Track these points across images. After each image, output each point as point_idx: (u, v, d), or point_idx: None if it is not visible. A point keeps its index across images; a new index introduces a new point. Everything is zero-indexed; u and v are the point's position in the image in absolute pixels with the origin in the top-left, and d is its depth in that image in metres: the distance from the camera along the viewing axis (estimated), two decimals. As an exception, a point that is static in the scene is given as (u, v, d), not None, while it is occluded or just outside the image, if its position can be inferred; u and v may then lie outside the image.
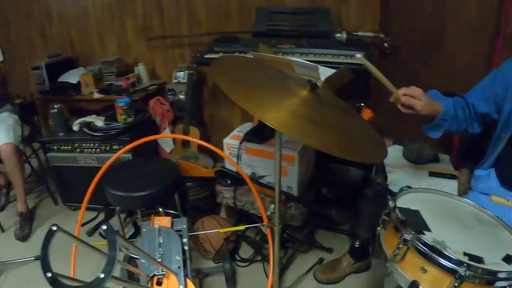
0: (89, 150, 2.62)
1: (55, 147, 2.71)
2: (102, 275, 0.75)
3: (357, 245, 2.05)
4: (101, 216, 2.82)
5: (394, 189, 1.81)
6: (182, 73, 3.09)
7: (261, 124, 2.22)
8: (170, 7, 3.18)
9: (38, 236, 2.83)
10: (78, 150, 2.64)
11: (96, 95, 3.10)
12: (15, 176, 2.64)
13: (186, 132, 2.82)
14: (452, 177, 1.86)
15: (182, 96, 3.05)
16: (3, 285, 2.35)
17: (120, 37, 3.49)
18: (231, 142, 2.21)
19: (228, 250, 2.24)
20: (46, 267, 1.02)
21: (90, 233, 2.71)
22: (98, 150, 2.61)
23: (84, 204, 1.74)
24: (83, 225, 2.74)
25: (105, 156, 2.60)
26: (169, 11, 3.20)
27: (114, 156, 1.79)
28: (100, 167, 2.62)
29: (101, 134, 2.56)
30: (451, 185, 1.80)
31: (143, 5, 3.28)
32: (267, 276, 2.15)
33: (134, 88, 3.12)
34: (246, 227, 2.17)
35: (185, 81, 3.05)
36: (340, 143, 1.13)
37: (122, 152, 1.86)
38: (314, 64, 1.60)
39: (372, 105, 2.29)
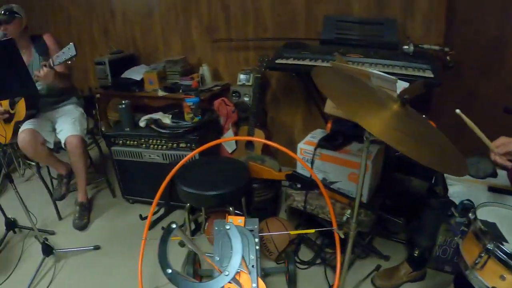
0: (156, 146, 2.73)
1: (120, 141, 2.85)
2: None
3: (416, 254, 2.12)
4: (161, 211, 2.99)
5: (455, 201, 1.88)
6: (247, 75, 3.19)
7: (334, 132, 2.32)
8: (236, 10, 3.30)
9: (96, 226, 3.01)
10: (144, 145, 2.77)
11: (161, 93, 3.25)
12: (79, 167, 2.81)
13: (250, 134, 2.94)
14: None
15: (246, 99, 3.17)
16: (61, 271, 2.52)
17: (185, 37, 3.64)
18: (305, 147, 2.31)
19: (292, 251, 2.34)
20: (165, 264, 1.14)
21: (150, 227, 2.84)
22: (165, 147, 2.71)
23: (156, 199, 1.83)
24: (143, 219, 2.88)
25: (171, 153, 2.71)
26: (235, 13, 3.31)
27: (190, 154, 1.89)
28: (165, 164, 2.82)
29: (169, 131, 2.68)
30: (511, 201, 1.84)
31: (208, 6, 3.41)
32: (327, 279, 2.23)
33: (198, 88, 3.22)
34: (315, 231, 2.27)
35: (249, 83, 3.18)
36: (429, 153, 1.23)
37: (199, 151, 1.94)
38: (393, 77, 1.69)
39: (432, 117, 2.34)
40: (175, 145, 2.73)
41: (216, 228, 1.43)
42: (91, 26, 4.24)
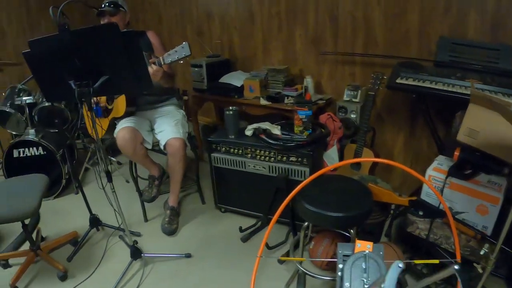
0: (263, 157, 2.82)
1: (223, 149, 2.97)
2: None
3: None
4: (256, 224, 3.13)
5: None
6: (354, 91, 3.30)
7: (463, 161, 2.43)
8: (346, 22, 3.41)
9: (185, 232, 3.16)
10: (249, 155, 2.88)
11: (263, 102, 3.44)
12: (176, 171, 2.92)
13: (358, 153, 3.07)
14: None
15: (353, 115, 3.27)
16: (148, 277, 2.65)
17: (287, 46, 3.81)
18: (434, 174, 2.42)
19: (404, 280, 2.45)
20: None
21: (245, 239, 3.00)
22: (273, 159, 2.80)
23: (276, 216, 1.91)
24: (242, 231, 3.06)
25: (278, 166, 2.78)
26: (344, 25, 3.43)
27: (319, 172, 1.93)
28: (270, 176, 2.99)
29: (281, 144, 2.85)
30: None
31: (316, 16, 3.55)
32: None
33: (311, 100, 3.34)
34: (440, 261, 2.37)
35: (356, 100, 3.29)
36: None
37: (326, 171, 2.02)
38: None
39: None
40: (284, 158, 2.83)
41: (341, 251, 1.51)
42: (184, 27, 4.52)
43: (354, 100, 3.33)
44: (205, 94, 3.78)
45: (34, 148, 3.47)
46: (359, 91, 3.28)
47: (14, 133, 3.91)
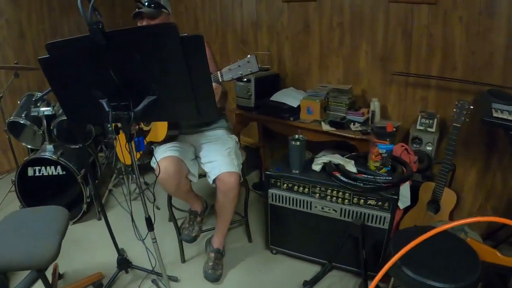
0: (334, 198, 2.47)
1: (285, 185, 2.60)
2: None
3: None
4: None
5: None
6: (429, 120, 2.94)
7: None
8: (421, 41, 3.05)
9: (232, 278, 2.77)
10: (318, 195, 2.52)
11: (325, 127, 3.03)
12: (227, 210, 2.54)
13: (438, 194, 2.62)
14: None
15: (428, 147, 2.91)
16: None
17: (349, 63, 3.45)
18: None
19: None
20: None
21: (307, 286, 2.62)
22: (347, 201, 2.45)
23: (382, 272, 1.51)
24: (305, 285, 2.61)
25: (352, 209, 2.45)
26: (418, 44, 3.06)
27: (435, 230, 1.56)
28: (341, 221, 2.54)
29: (360, 184, 2.41)
30: None
31: (385, 31, 3.20)
32: None
33: (367, 126, 3.05)
34: None
35: (433, 130, 2.92)
36: None
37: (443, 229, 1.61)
38: None
39: None
40: (362, 200, 2.46)
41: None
42: (224, 34, 4.20)
43: (429, 129, 2.96)
44: (252, 113, 3.32)
45: (52, 167, 3.13)
46: (435, 120, 2.93)
47: (29, 147, 3.62)
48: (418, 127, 3.00)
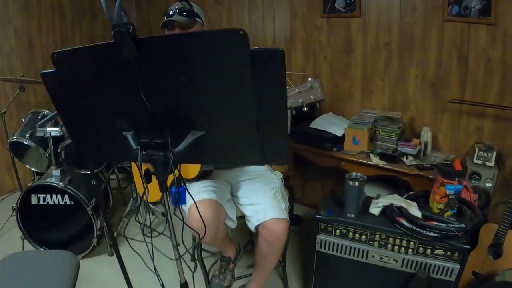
0: (396, 247, 2.17)
1: (337, 231, 2.28)
2: None
3: None
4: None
5: None
6: (488, 153, 2.67)
7: None
8: (477, 65, 2.79)
9: None
10: (377, 243, 2.21)
11: (375, 160, 2.77)
12: (270, 262, 2.20)
13: (500, 237, 2.32)
14: None
15: (488, 184, 2.63)
16: None
17: (396, 88, 3.18)
18: None
19: None
20: None
21: None
22: (411, 250, 2.18)
23: None
24: None
25: (416, 259, 2.15)
26: (475, 69, 2.80)
27: None
28: (402, 272, 2.22)
29: (429, 233, 2.09)
30: None
31: (438, 54, 2.94)
32: None
33: (421, 160, 2.79)
34: None
35: (491, 164, 2.66)
36: None
37: None
38: None
39: None
40: (428, 250, 2.16)
41: None
42: None
43: (488, 164, 2.69)
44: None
45: (59, 196, 2.83)
46: (494, 153, 2.66)
47: (34, 169, 3.32)
48: (476, 161, 2.73)
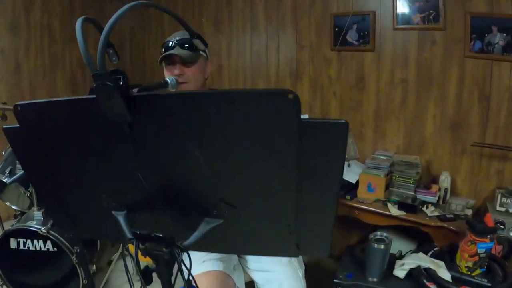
0: None
1: None
2: None
3: None
4: None
5: None
6: (510, 200, 2.50)
7: None
8: (500, 105, 2.66)
9: None
10: None
11: (394, 211, 2.55)
12: None
13: None
14: None
15: None
16: None
17: (413, 128, 3.02)
18: None
19: None
20: None
21: None
22: None
23: None
24: None
25: None
26: (497, 108, 2.67)
27: None
28: None
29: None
30: None
31: (459, 93, 2.80)
32: None
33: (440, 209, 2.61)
34: None
35: None
36: None
37: None
38: None
39: None
40: None
41: None
42: (255, 83, 3.77)
43: (511, 211, 2.51)
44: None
45: (40, 241, 2.61)
46: None
47: (14, 208, 3.07)
48: (498, 208, 2.55)
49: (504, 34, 2.56)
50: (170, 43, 1.78)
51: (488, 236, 2.08)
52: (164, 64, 1.87)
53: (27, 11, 4.05)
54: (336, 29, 3.14)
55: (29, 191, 2.76)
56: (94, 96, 0.77)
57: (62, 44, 4.35)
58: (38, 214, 2.65)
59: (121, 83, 0.76)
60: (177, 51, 1.75)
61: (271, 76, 3.67)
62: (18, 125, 0.91)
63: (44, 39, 4.24)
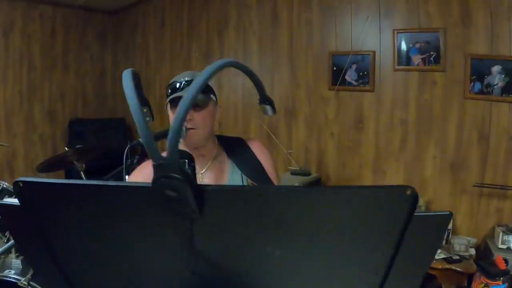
0: None
1: None
2: None
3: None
4: None
5: None
6: (511, 237, 2.57)
7: None
8: (499, 145, 2.76)
9: None
10: None
11: None
12: None
13: None
14: None
15: None
16: None
17: (412, 169, 3.08)
18: None
19: None
20: None
21: None
22: None
23: None
24: None
25: None
26: (496, 149, 2.77)
27: None
28: None
29: None
30: None
31: (458, 133, 2.88)
32: None
33: (445, 251, 2.64)
34: None
35: None
36: None
37: None
38: None
39: None
40: None
41: None
42: (247, 121, 3.78)
43: None
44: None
45: None
46: None
47: None
48: (500, 245, 2.60)
49: (503, 76, 2.68)
50: (178, 84, 1.60)
51: (501, 279, 2.11)
52: (169, 107, 1.63)
53: (6, 35, 3.96)
54: (335, 68, 3.21)
55: (6, 236, 2.42)
56: (146, 184, 0.63)
57: (41, 71, 4.29)
58: (16, 262, 2.35)
59: (187, 168, 0.65)
60: (184, 93, 1.51)
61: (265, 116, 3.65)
62: (18, 203, 0.73)
63: (23, 67, 4.16)
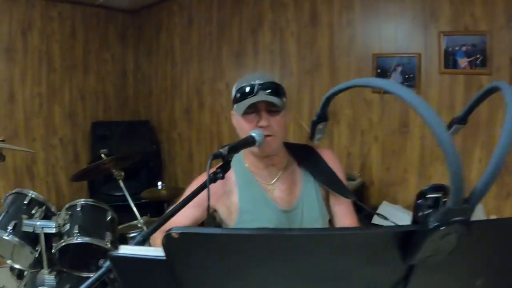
0: None
1: None
2: None
3: None
4: None
5: None
6: None
7: None
8: None
9: None
10: None
11: None
12: None
13: None
14: None
15: None
16: None
17: None
18: None
19: None
20: None
21: None
22: None
23: None
24: None
25: None
26: None
27: None
28: None
29: None
30: None
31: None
32: None
33: None
34: None
35: None
36: None
37: None
38: None
39: None
40: None
41: None
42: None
43: None
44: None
45: None
46: None
47: (17, 267, 2.55)
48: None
49: (550, 79, 2.81)
50: (248, 88, 1.47)
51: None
52: (240, 112, 1.49)
53: (25, 35, 3.95)
54: (379, 71, 3.30)
55: (37, 251, 2.37)
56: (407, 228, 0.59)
57: (61, 73, 4.37)
58: (49, 278, 2.33)
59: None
60: (264, 97, 1.44)
61: (304, 116, 3.76)
62: (164, 256, 0.62)
63: (42, 68, 4.24)
